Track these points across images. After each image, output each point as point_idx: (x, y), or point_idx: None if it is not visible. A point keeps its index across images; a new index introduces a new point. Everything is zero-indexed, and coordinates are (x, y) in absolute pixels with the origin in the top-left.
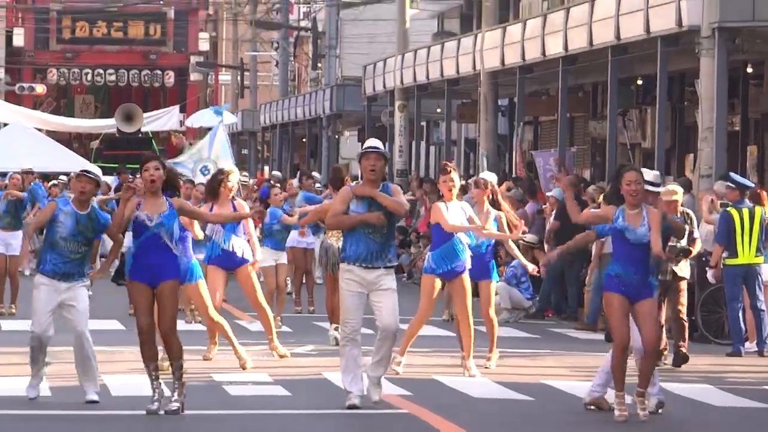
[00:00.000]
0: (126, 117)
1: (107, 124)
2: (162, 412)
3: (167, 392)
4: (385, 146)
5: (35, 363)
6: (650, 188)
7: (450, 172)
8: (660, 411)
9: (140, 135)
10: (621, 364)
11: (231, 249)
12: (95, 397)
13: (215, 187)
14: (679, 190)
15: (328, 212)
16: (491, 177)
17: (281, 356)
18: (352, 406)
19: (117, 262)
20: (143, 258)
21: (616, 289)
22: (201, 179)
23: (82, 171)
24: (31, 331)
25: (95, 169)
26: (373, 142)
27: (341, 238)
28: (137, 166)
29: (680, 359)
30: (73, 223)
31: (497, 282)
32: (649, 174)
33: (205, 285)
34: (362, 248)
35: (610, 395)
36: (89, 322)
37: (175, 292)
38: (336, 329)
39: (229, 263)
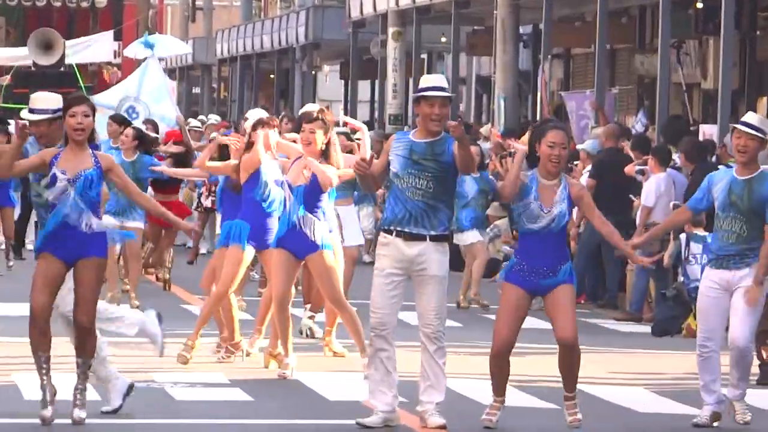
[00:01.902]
0: (43, 45)
1: (20, 55)
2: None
3: (51, 391)
4: (374, 85)
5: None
6: (756, 133)
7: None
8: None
9: (62, 69)
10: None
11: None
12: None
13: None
14: None
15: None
16: (258, 115)
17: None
18: (364, 425)
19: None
20: (58, 226)
21: (513, 279)
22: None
23: None
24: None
25: None
26: (434, 80)
27: None
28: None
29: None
30: None
31: None
32: (754, 117)
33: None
34: (399, 209)
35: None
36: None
37: (99, 273)
38: (311, 318)
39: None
